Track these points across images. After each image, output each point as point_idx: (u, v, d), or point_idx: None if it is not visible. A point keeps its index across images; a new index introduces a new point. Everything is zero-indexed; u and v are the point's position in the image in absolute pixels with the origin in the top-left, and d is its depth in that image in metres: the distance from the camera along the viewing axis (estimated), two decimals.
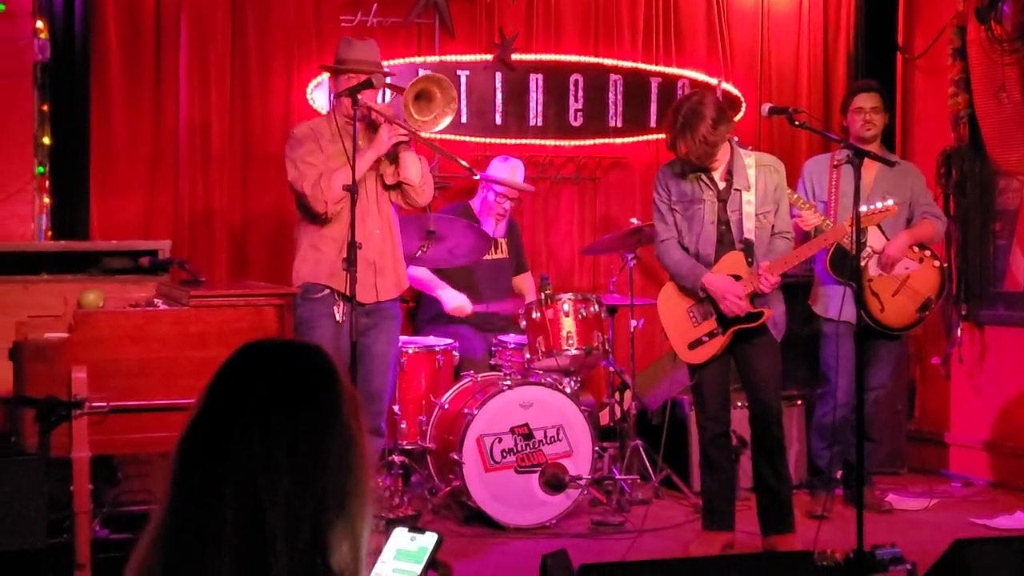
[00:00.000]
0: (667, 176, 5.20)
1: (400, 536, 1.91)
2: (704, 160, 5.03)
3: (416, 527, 1.93)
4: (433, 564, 1.89)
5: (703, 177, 5.10)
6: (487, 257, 6.48)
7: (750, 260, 5.07)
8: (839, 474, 6.08)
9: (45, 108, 6.12)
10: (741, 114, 7.31)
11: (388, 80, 5.52)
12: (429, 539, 1.90)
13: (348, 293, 4.78)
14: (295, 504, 1.55)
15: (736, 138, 5.21)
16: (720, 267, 5.08)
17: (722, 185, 5.11)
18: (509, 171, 6.57)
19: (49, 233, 6.09)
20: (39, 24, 6.02)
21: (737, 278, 5.06)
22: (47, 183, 6.13)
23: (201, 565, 1.54)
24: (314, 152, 5.19)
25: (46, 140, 6.11)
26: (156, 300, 4.55)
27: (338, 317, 5.15)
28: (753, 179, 5.09)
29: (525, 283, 6.82)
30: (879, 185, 5.91)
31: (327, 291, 5.15)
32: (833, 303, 5.81)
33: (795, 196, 5.72)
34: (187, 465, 1.60)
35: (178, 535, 1.57)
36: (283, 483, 1.56)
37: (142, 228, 6.43)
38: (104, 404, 3.95)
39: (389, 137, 5.19)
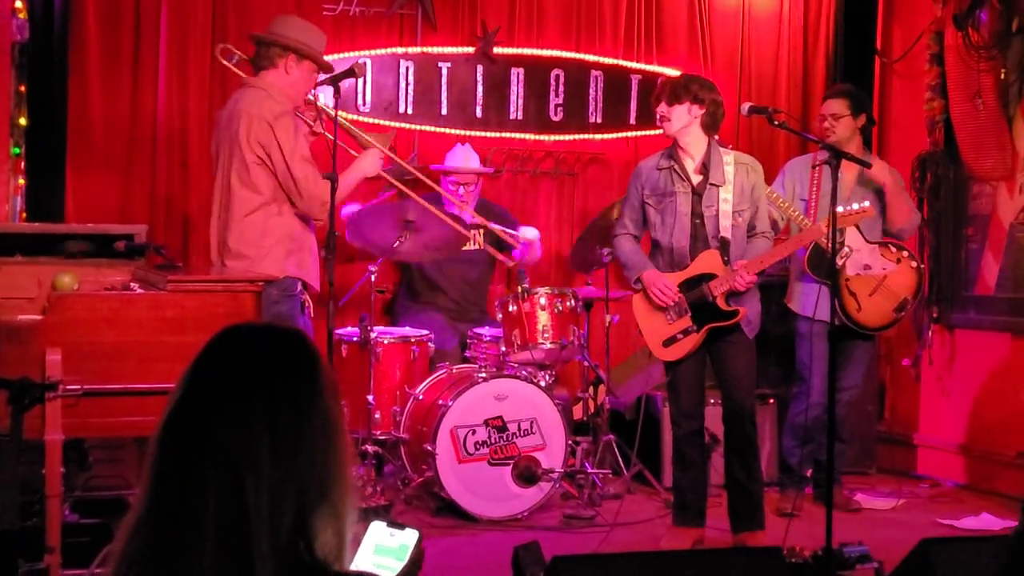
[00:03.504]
0: (643, 170, 5.25)
1: (379, 531, 1.89)
2: (656, 96, 5.14)
3: (395, 523, 1.91)
4: (416, 563, 1.87)
5: (676, 169, 5.12)
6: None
7: (726, 259, 5.09)
8: (809, 473, 6.12)
9: (22, 88, 6.08)
10: None
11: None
12: (410, 536, 1.88)
13: (328, 280, 4.77)
14: (278, 489, 1.55)
15: (717, 138, 5.24)
16: (696, 265, 5.10)
17: (698, 179, 5.13)
18: (459, 158, 6.61)
19: (23, 215, 6.06)
20: (18, 3, 5.97)
21: (712, 276, 5.08)
22: (22, 164, 6.10)
23: (183, 552, 1.54)
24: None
25: (22, 121, 6.07)
26: (132, 284, 4.53)
27: (311, 312, 5.16)
28: (731, 176, 5.11)
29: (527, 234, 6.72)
30: (859, 186, 5.97)
31: (299, 286, 5.12)
32: (809, 301, 5.84)
33: (778, 197, 5.76)
34: (167, 451, 1.60)
35: (160, 522, 1.56)
36: (265, 468, 1.55)
37: (118, 212, 6.41)
38: (78, 387, 3.92)
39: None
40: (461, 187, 6.56)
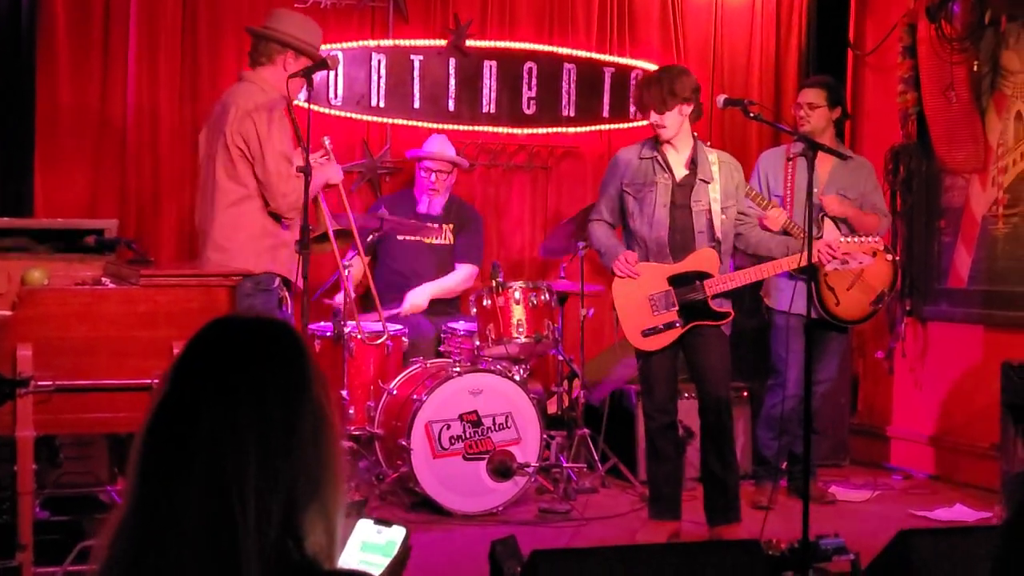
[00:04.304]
0: (623, 159, 5.24)
1: (365, 528, 1.86)
2: (640, 102, 5.13)
3: (381, 520, 1.88)
4: (403, 560, 1.84)
5: (658, 160, 5.12)
6: (428, 241, 6.53)
7: (722, 259, 5.10)
8: (784, 465, 6.13)
9: None
10: None
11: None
12: (397, 533, 1.84)
13: (302, 275, 4.75)
14: (266, 486, 1.51)
15: (695, 133, 5.24)
16: (692, 261, 5.08)
17: (684, 172, 5.13)
18: (436, 144, 6.63)
19: None
20: None
21: (707, 275, 5.07)
22: None
23: (169, 551, 1.50)
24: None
25: None
26: (103, 279, 4.48)
27: (288, 308, 5.15)
28: (717, 174, 5.12)
29: (461, 271, 6.69)
30: (833, 180, 5.99)
31: (277, 281, 5.10)
32: (785, 296, 5.84)
33: (758, 195, 5.75)
34: (153, 447, 1.56)
35: (145, 521, 1.53)
36: (252, 465, 1.51)
37: (88, 206, 6.34)
38: (50, 383, 3.88)
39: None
40: (434, 174, 6.54)
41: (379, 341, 5.82)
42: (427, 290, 6.46)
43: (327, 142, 5.22)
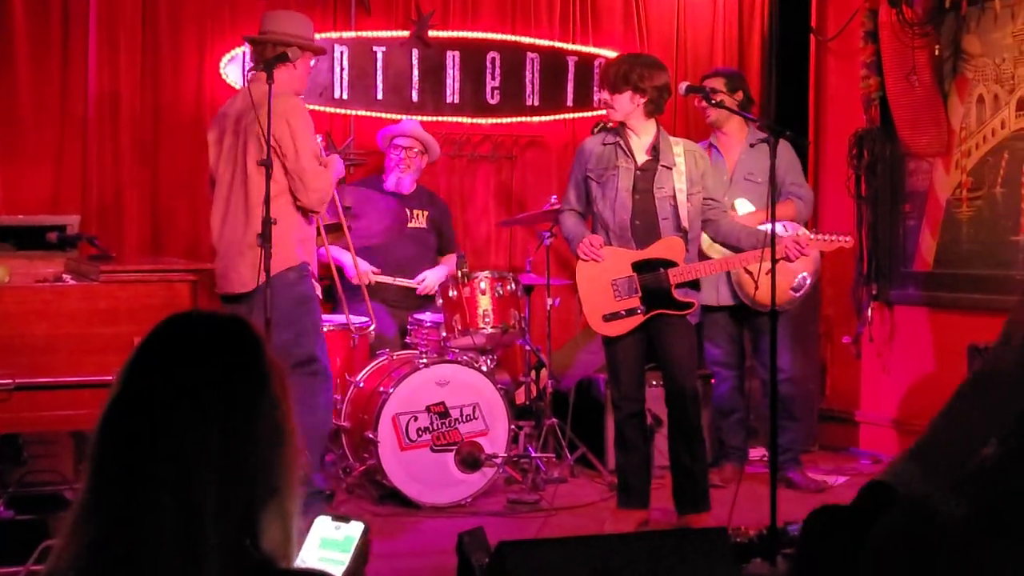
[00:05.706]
0: (587, 146, 5.26)
1: (324, 524, 1.84)
2: (601, 76, 5.19)
3: (340, 515, 1.86)
4: (363, 555, 1.82)
5: (620, 145, 5.12)
6: (411, 225, 6.51)
7: (688, 247, 5.11)
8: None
9: None
10: None
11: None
12: (355, 528, 1.83)
13: (263, 268, 4.74)
14: (227, 483, 1.49)
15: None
16: (656, 248, 5.08)
17: (645, 158, 5.13)
18: (409, 123, 6.67)
19: None
20: None
21: (671, 263, 5.07)
22: None
23: (128, 549, 1.48)
24: None
25: None
26: (64, 276, 4.45)
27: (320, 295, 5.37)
28: (682, 163, 5.12)
29: (446, 262, 6.72)
30: (742, 166, 6.03)
31: (309, 269, 5.18)
32: (708, 288, 5.92)
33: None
34: (109, 445, 1.54)
35: (102, 518, 1.50)
36: (214, 462, 1.50)
37: (49, 203, 6.27)
38: (10, 381, 3.85)
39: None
40: (403, 151, 6.54)
41: (370, 328, 5.83)
42: (441, 272, 6.51)
43: (319, 140, 5.32)
